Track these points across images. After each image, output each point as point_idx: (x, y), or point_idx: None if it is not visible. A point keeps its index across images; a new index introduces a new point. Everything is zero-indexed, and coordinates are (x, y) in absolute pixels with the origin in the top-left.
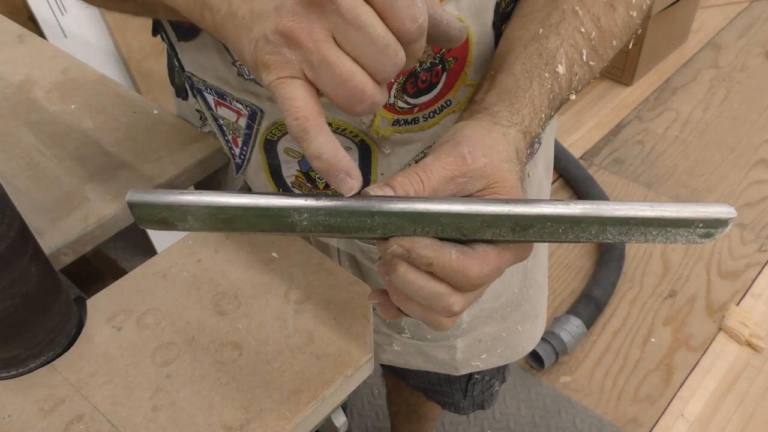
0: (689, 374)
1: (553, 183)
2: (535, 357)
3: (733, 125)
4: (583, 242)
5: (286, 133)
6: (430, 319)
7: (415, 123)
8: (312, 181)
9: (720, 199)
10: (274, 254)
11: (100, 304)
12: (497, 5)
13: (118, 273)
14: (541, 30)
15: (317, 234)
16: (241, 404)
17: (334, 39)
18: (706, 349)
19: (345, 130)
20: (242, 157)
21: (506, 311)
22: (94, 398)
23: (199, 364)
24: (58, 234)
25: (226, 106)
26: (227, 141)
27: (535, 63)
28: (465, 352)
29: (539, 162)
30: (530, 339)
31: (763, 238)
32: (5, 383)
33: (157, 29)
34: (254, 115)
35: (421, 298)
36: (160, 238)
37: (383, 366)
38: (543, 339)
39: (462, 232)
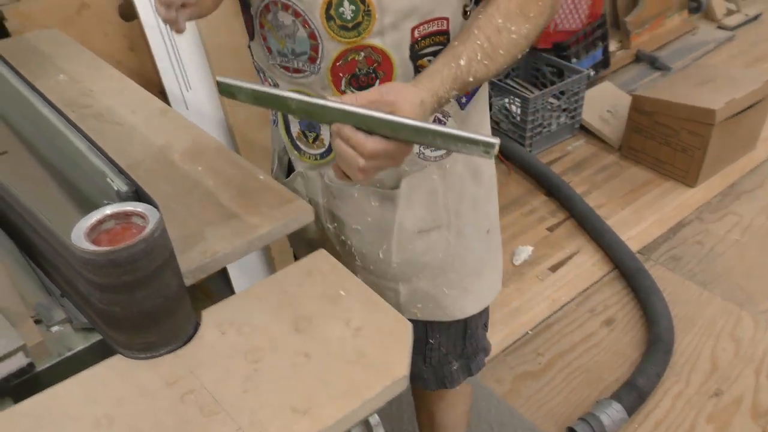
0: None
1: (607, 274)
2: None
3: None
4: (428, 144)
5: None
6: (350, 172)
7: None
8: (306, 136)
9: None
10: (341, 292)
11: (212, 314)
12: (411, 46)
13: (215, 301)
14: (456, 42)
15: (300, 114)
16: (306, 395)
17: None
18: None
19: None
20: (274, 115)
21: (434, 272)
22: (203, 379)
23: (279, 364)
24: (182, 263)
25: (267, 81)
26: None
27: (449, 58)
28: (405, 297)
29: (458, 162)
30: (457, 308)
31: None
32: (143, 361)
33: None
34: (276, 87)
35: (344, 158)
36: (236, 281)
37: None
38: (582, 419)
39: (366, 125)
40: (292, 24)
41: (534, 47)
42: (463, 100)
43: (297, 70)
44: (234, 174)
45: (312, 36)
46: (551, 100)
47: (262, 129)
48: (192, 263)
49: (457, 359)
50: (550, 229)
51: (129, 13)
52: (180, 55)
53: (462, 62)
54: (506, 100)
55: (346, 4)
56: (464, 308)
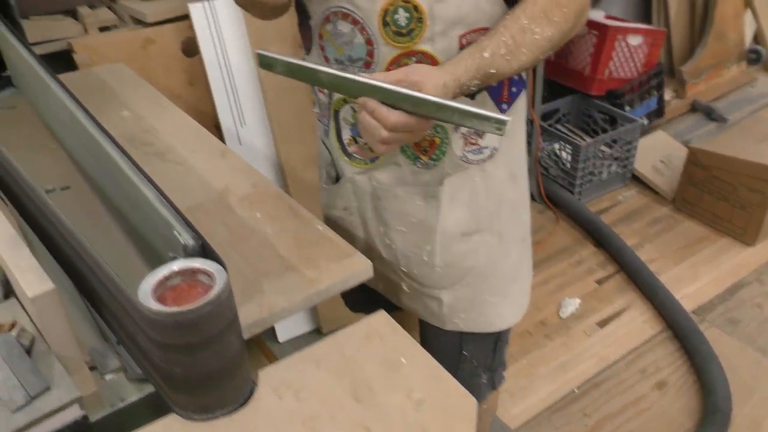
0: None
1: (659, 333)
2: None
3: None
4: (446, 122)
5: (344, 106)
6: (372, 143)
7: None
8: (357, 142)
9: None
10: (402, 359)
11: (268, 376)
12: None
13: (261, 346)
14: (483, 38)
15: (330, 87)
16: None
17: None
18: None
19: None
20: (327, 125)
21: (476, 278)
22: None
23: None
24: (239, 316)
25: (321, 92)
26: (324, 116)
27: (475, 50)
28: (448, 307)
29: (499, 165)
30: (498, 316)
31: None
32: (197, 423)
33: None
34: (330, 93)
35: (368, 129)
36: (281, 331)
37: None
38: None
39: (390, 99)
40: (351, 32)
41: (587, 94)
42: (504, 106)
43: None
44: (292, 223)
45: (369, 42)
46: (603, 148)
47: (312, 167)
48: (249, 317)
49: (485, 372)
50: (599, 282)
51: (191, 49)
52: (237, 91)
53: (486, 54)
54: (556, 145)
55: (400, 11)
56: (504, 316)
